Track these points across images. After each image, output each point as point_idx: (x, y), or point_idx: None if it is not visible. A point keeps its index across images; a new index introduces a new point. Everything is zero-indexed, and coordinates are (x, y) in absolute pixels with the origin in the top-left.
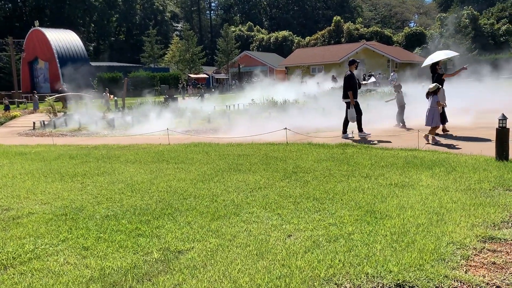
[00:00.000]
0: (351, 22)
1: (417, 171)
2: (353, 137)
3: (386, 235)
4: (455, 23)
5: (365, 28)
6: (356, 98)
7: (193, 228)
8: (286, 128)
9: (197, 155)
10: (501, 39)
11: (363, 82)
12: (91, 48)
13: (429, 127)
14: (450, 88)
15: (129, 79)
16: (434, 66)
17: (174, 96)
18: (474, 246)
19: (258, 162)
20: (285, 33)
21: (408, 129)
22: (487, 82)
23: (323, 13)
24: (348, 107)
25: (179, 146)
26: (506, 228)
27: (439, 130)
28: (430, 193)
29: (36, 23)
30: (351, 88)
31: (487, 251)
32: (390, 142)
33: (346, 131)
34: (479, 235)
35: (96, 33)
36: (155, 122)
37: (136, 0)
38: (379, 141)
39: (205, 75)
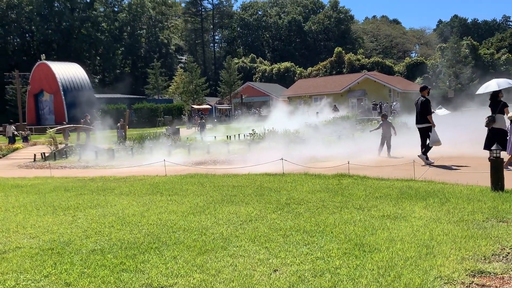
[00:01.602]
0: (352, 53)
1: (411, 202)
2: (433, 162)
3: (373, 269)
4: (455, 53)
5: (366, 59)
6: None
7: (178, 262)
8: (282, 159)
9: (192, 186)
10: (502, 68)
11: (436, 111)
12: (96, 81)
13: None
14: (454, 119)
15: (133, 110)
16: (495, 94)
17: (176, 127)
18: (462, 280)
19: (252, 194)
20: (287, 64)
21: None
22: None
23: (325, 44)
24: (426, 132)
25: (175, 177)
26: (497, 262)
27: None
28: (421, 225)
29: (43, 56)
30: (430, 113)
31: (476, 286)
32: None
33: (427, 157)
34: (468, 269)
35: (101, 65)
36: (155, 154)
37: (141, 34)
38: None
39: (208, 106)
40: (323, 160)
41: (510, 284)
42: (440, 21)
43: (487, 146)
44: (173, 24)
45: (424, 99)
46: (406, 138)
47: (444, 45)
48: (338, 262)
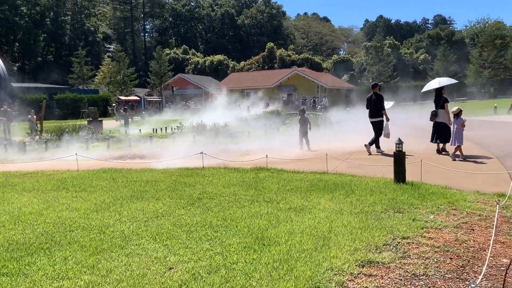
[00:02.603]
0: (284, 49)
1: (319, 194)
2: (384, 151)
3: (268, 263)
4: (378, 52)
5: (297, 55)
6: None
7: (68, 264)
8: (202, 153)
9: (103, 182)
10: (420, 67)
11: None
12: (15, 68)
13: (454, 146)
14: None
15: (54, 101)
16: (440, 90)
17: (99, 119)
18: (351, 271)
19: (165, 189)
20: (220, 57)
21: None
22: (405, 108)
23: (258, 39)
24: (379, 125)
25: (87, 172)
26: (387, 251)
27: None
28: (324, 217)
29: None
30: (383, 108)
31: (363, 276)
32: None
33: (380, 147)
34: (359, 259)
35: (21, 52)
36: (71, 147)
37: (66, 20)
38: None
39: (136, 97)
40: (246, 153)
41: (395, 273)
42: (366, 21)
43: (433, 139)
44: (100, 11)
45: (378, 95)
46: (328, 132)
47: (368, 43)
48: (236, 257)
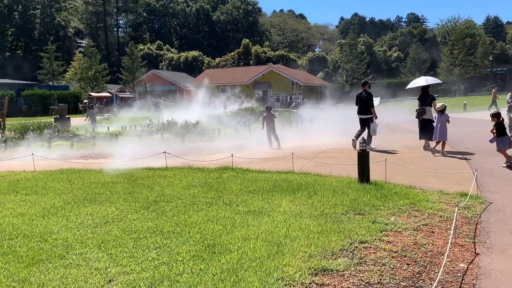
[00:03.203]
0: (259, 46)
1: (281, 195)
2: (374, 148)
3: (215, 273)
4: (352, 49)
5: (272, 52)
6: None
7: None
8: (165, 152)
9: (57, 183)
10: (393, 65)
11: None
12: None
13: (434, 142)
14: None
15: (22, 97)
16: (426, 88)
17: (66, 116)
18: (303, 280)
19: (121, 191)
20: (195, 53)
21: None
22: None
23: (233, 35)
24: (368, 122)
25: (43, 173)
26: (343, 257)
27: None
28: (282, 220)
29: None
30: (373, 105)
31: (314, 286)
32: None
33: (371, 142)
34: (312, 267)
35: None
36: (33, 146)
37: (35, 14)
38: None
39: (108, 94)
40: (214, 152)
41: (348, 281)
42: (342, 18)
43: (420, 135)
44: (72, 5)
45: (368, 92)
46: (300, 130)
47: (343, 41)
48: (182, 267)
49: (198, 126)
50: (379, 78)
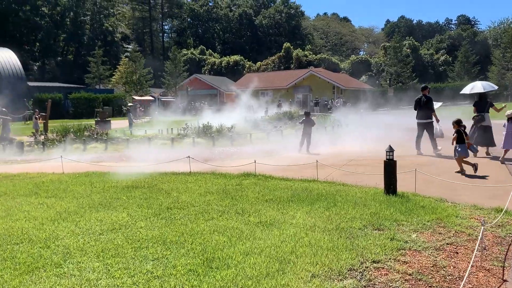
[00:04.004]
0: (301, 49)
1: (298, 206)
2: (441, 149)
3: None
4: (397, 52)
5: (314, 55)
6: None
7: None
8: (189, 157)
9: (79, 187)
10: (440, 68)
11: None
12: (35, 68)
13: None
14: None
15: (69, 100)
16: (484, 95)
17: (107, 119)
18: None
19: (138, 196)
20: (236, 57)
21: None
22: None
23: (275, 39)
24: (429, 127)
25: (69, 176)
26: (350, 278)
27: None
28: (292, 233)
29: None
30: (433, 110)
31: None
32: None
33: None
34: None
35: (41, 52)
36: (69, 148)
37: (85, 20)
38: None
39: (151, 97)
40: (242, 157)
41: None
42: (388, 21)
43: (476, 142)
44: (119, 11)
45: (428, 97)
46: (334, 135)
47: (387, 44)
48: (174, 283)
49: (232, 131)
50: (425, 82)
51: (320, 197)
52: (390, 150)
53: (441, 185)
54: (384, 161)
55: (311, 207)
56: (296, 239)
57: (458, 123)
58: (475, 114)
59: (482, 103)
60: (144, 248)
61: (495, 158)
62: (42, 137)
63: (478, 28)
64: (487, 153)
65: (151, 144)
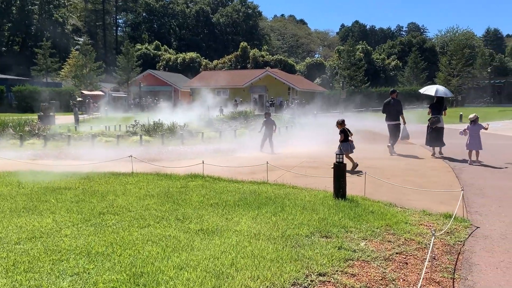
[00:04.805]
0: (257, 49)
1: (244, 211)
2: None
3: None
4: (350, 56)
5: (270, 56)
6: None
7: None
8: (131, 156)
9: (4, 187)
10: (391, 73)
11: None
12: None
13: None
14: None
15: (12, 93)
16: (443, 98)
17: (50, 114)
18: None
19: (69, 199)
20: (193, 54)
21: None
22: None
23: (233, 38)
24: (398, 128)
25: None
26: None
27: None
28: (234, 243)
29: None
30: (402, 112)
31: None
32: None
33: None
34: None
35: None
36: (3, 144)
37: (33, 10)
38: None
39: (101, 92)
40: (189, 157)
41: None
42: (342, 25)
43: (430, 142)
44: (71, 2)
45: (396, 100)
46: (288, 136)
47: (341, 47)
48: None
49: (184, 129)
50: (376, 86)
51: (269, 201)
52: (340, 153)
53: (391, 189)
54: (334, 164)
55: (258, 212)
56: (238, 249)
57: (340, 123)
58: (432, 116)
59: (439, 105)
60: (64, 261)
61: (454, 160)
62: None
63: (427, 36)
64: (440, 153)
65: (95, 141)
